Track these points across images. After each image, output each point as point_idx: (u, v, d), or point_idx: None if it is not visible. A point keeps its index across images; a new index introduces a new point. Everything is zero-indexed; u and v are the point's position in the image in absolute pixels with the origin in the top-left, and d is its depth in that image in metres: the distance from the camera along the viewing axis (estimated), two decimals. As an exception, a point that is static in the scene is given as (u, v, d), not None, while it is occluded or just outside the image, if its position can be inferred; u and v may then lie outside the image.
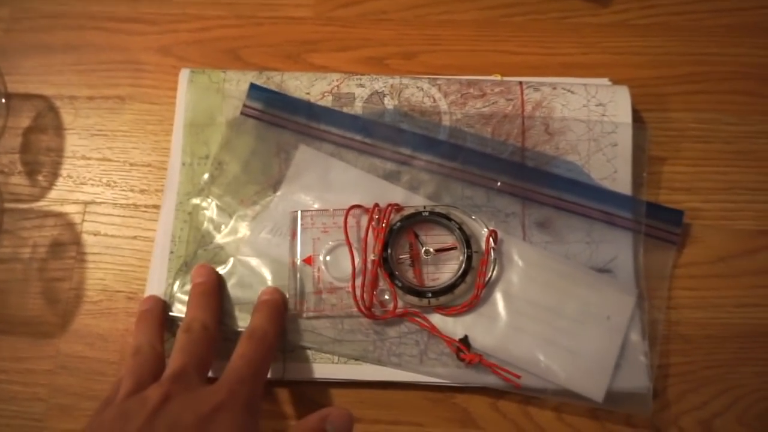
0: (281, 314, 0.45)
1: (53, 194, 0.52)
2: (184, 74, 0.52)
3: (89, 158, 0.53)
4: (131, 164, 0.52)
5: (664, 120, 0.53)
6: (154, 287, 0.48)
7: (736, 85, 0.54)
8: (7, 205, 0.51)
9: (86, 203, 0.51)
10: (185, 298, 0.46)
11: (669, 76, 0.54)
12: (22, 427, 0.46)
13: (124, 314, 0.48)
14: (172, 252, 0.48)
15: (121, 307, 0.49)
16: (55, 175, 0.52)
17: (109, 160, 0.53)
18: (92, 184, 0.52)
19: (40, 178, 0.52)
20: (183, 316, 0.45)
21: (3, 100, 0.53)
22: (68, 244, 0.50)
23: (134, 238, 0.50)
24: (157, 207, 0.51)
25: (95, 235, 0.51)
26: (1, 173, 0.52)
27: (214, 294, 0.45)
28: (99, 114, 0.54)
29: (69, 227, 0.51)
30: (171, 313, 0.47)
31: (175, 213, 0.49)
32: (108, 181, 0.52)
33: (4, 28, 0.56)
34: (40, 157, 0.53)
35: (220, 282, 0.47)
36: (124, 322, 0.48)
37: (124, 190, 0.52)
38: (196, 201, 0.49)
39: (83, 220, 0.51)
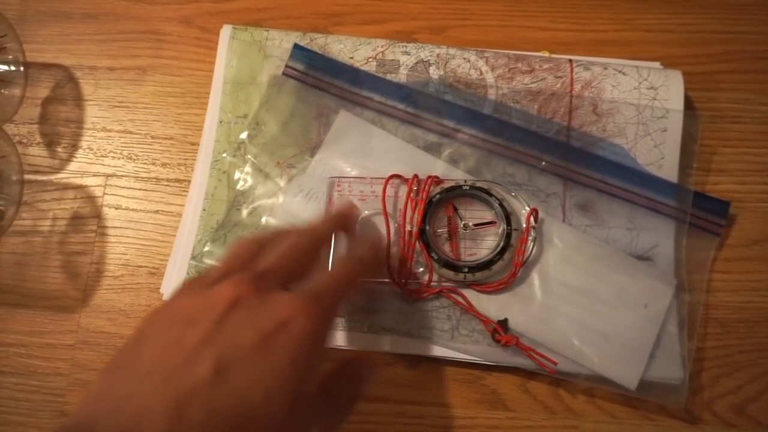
0: (380, 265, 0.45)
1: (73, 166, 0.51)
2: (226, 30, 0.51)
3: (110, 130, 0.51)
4: (153, 137, 0.51)
5: (697, 100, 0.52)
6: (183, 242, 0.47)
7: (772, 65, 0.53)
8: (27, 177, 0.50)
9: (107, 176, 0.50)
10: (216, 251, 0.46)
11: (702, 55, 0.53)
12: (43, 402, 0.46)
13: (146, 290, 0.48)
14: (204, 210, 0.48)
15: (143, 282, 0.48)
16: (75, 146, 0.51)
17: (131, 132, 0.51)
18: (113, 157, 0.51)
19: (59, 149, 0.51)
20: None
21: (21, 69, 0.52)
22: (89, 217, 0.49)
23: (156, 212, 0.49)
24: (179, 181, 0.50)
25: (116, 208, 0.49)
26: (20, 144, 0.51)
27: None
28: (120, 85, 0.52)
29: (90, 200, 0.50)
30: (198, 264, 0.46)
31: (209, 171, 0.48)
32: (129, 153, 0.51)
33: (22, -5, 0.55)
34: (60, 128, 0.51)
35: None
36: (147, 298, 0.47)
37: (145, 164, 0.51)
38: (232, 159, 0.48)
39: (104, 194, 0.50)
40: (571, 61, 0.50)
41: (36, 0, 0.54)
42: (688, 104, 0.50)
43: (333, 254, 0.46)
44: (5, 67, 0.51)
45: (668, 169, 0.47)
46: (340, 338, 0.45)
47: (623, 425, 0.45)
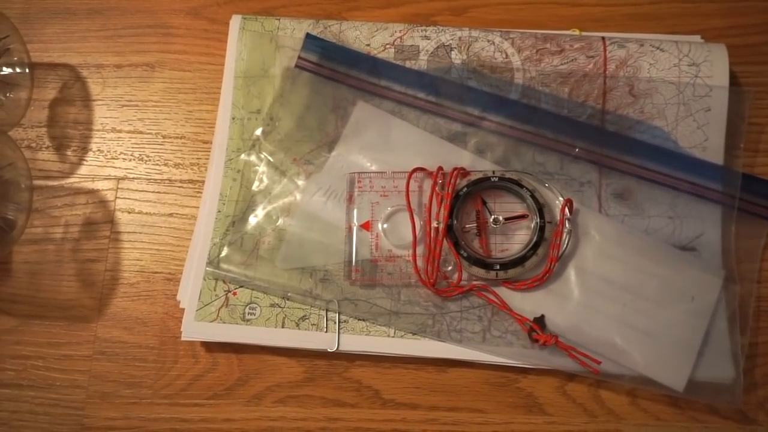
0: None
1: (83, 170, 0.49)
2: (235, 21, 0.49)
3: (120, 131, 0.49)
4: (164, 136, 0.49)
5: (742, 75, 0.48)
6: (199, 247, 0.45)
7: (821, 33, 0.49)
8: (36, 182, 0.48)
9: (119, 179, 0.48)
10: (234, 257, 0.44)
11: (747, 25, 0.50)
12: (63, 415, 0.44)
13: (162, 296, 0.46)
14: (219, 211, 0.45)
15: (160, 289, 0.46)
16: (84, 149, 0.49)
17: (141, 132, 0.49)
18: (124, 159, 0.49)
19: (69, 153, 0.49)
20: (228, 274, 0.43)
21: (27, 71, 0.50)
22: (101, 222, 0.47)
23: (170, 215, 0.47)
24: (193, 182, 0.48)
25: (129, 212, 0.48)
26: (28, 148, 0.49)
27: None
28: (128, 83, 0.50)
29: (101, 205, 0.48)
30: (215, 270, 0.44)
31: (224, 170, 0.46)
32: (140, 155, 0.49)
33: (25, -7, 0.52)
34: (68, 130, 0.50)
35: None
36: (164, 305, 0.45)
37: (157, 164, 0.48)
38: (246, 158, 0.46)
39: (116, 197, 0.48)
40: (603, 38, 0.46)
41: (39, -3, 0.52)
42: (733, 80, 0.47)
43: (355, 255, 0.43)
44: (10, 70, 0.49)
45: (713, 152, 0.44)
46: (364, 344, 0.43)
47: (669, 428, 0.42)
